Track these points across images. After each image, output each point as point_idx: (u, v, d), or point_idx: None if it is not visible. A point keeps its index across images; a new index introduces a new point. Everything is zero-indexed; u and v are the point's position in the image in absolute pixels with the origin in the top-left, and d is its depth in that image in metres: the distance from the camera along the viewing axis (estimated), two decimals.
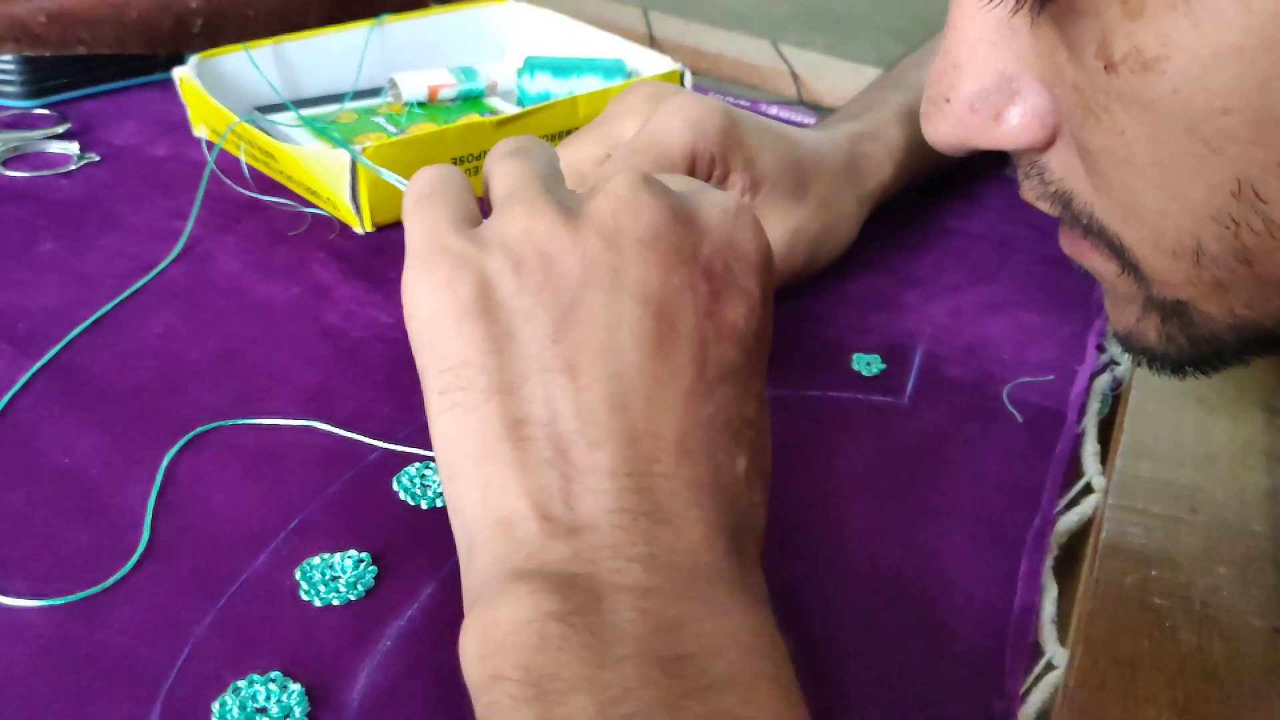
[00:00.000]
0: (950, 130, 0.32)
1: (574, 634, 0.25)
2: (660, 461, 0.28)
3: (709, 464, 0.29)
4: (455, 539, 0.30)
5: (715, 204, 0.32)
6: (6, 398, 0.42)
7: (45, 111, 0.63)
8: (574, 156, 0.46)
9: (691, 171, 0.44)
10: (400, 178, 0.52)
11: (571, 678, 0.25)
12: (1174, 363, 0.33)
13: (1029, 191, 0.33)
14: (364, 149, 0.52)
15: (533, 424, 0.28)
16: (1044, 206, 0.33)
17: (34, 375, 0.43)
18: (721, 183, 0.46)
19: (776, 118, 0.69)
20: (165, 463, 0.39)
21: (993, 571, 0.37)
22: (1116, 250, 0.31)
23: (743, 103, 0.71)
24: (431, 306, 0.29)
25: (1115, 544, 0.36)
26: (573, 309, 0.29)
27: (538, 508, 0.28)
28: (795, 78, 0.74)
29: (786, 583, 0.36)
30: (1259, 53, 0.24)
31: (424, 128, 0.63)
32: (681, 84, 0.64)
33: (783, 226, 0.47)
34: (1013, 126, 0.31)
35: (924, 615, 0.35)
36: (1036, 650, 0.34)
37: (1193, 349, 0.32)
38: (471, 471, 0.28)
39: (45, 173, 0.57)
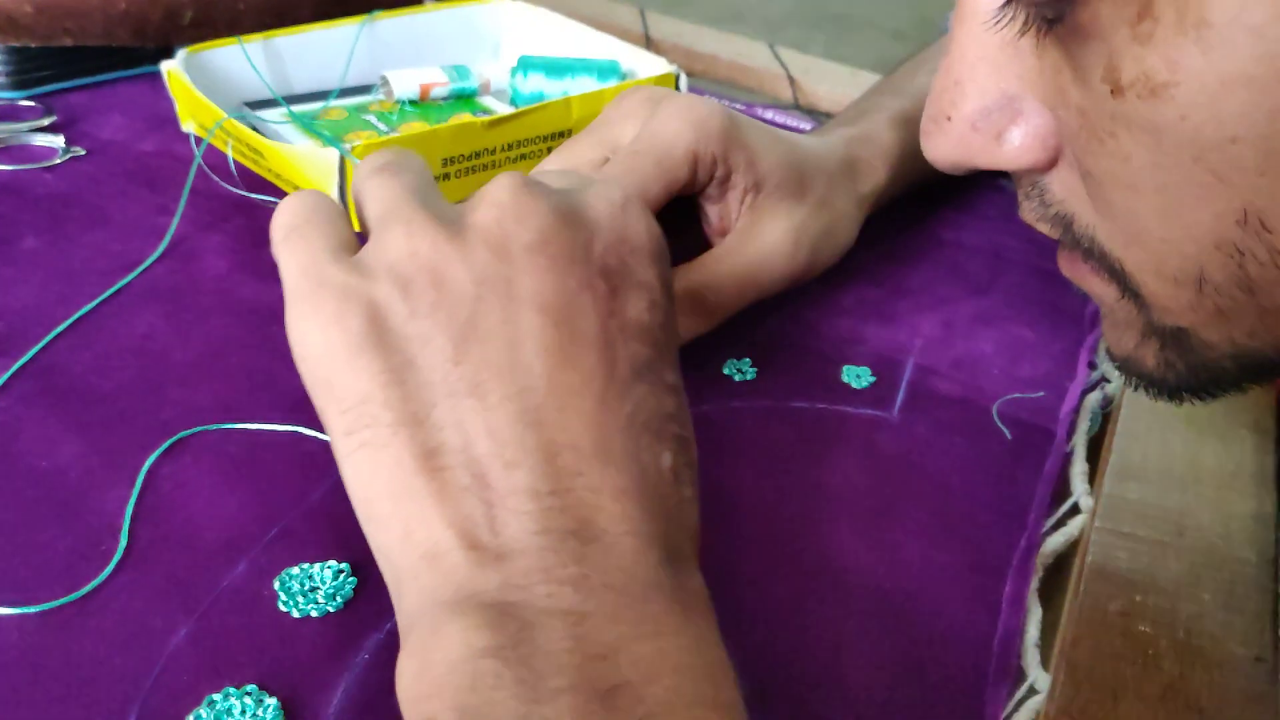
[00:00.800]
0: (951, 149, 0.32)
1: (507, 669, 0.25)
2: (583, 474, 0.27)
3: (634, 468, 0.28)
4: (384, 578, 0.29)
5: (601, 198, 0.31)
6: None
7: (30, 103, 0.62)
8: (573, 160, 0.45)
9: (694, 172, 0.44)
10: None
11: (507, 716, 0.24)
12: (1171, 389, 0.33)
13: (1029, 213, 0.33)
14: (353, 148, 0.51)
15: (446, 452, 0.27)
16: (1044, 228, 0.33)
17: (13, 375, 0.43)
18: (724, 183, 0.45)
19: (772, 122, 0.69)
20: (145, 468, 0.39)
21: (978, 592, 0.37)
22: (1117, 275, 0.30)
23: (739, 106, 0.70)
24: (322, 345, 0.28)
25: (1101, 568, 0.36)
26: (470, 327, 0.28)
27: (463, 537, 0.27)
28: (791, 81, 0.73)
29: (771, 600, 0.36)
30: (1270, 82, 0.24)
31: (415, 126, 0.62)
32: (677, 86, 0.64)
33: (785, 225, 0.46)
34: (1014, 147, 0.31)
35: (907, 636, 0.35)
36: (1020, 674, 0.34)
37: (1191, 376, 0.32)
38: (390, 510, 0.28)
39: (29, 166, 0.57)
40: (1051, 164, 0.31)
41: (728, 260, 0.45)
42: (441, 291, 0.28)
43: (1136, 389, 0.34)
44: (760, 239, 0.46)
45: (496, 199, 0.29)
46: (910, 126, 0.52)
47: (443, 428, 0.27)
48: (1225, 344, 0.30)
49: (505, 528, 0.27)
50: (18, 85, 0.63)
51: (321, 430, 0.41)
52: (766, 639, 0.35)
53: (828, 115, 0.72)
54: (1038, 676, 0.34)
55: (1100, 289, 0.32)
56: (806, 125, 0.68)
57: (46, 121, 0.60)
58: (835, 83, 0.73)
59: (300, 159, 0.52)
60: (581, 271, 0.29)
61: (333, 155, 0.51)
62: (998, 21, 0.29)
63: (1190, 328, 0.30)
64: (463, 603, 0.26)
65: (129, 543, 0.36)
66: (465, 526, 0.27)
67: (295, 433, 0.41)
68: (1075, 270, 0.33)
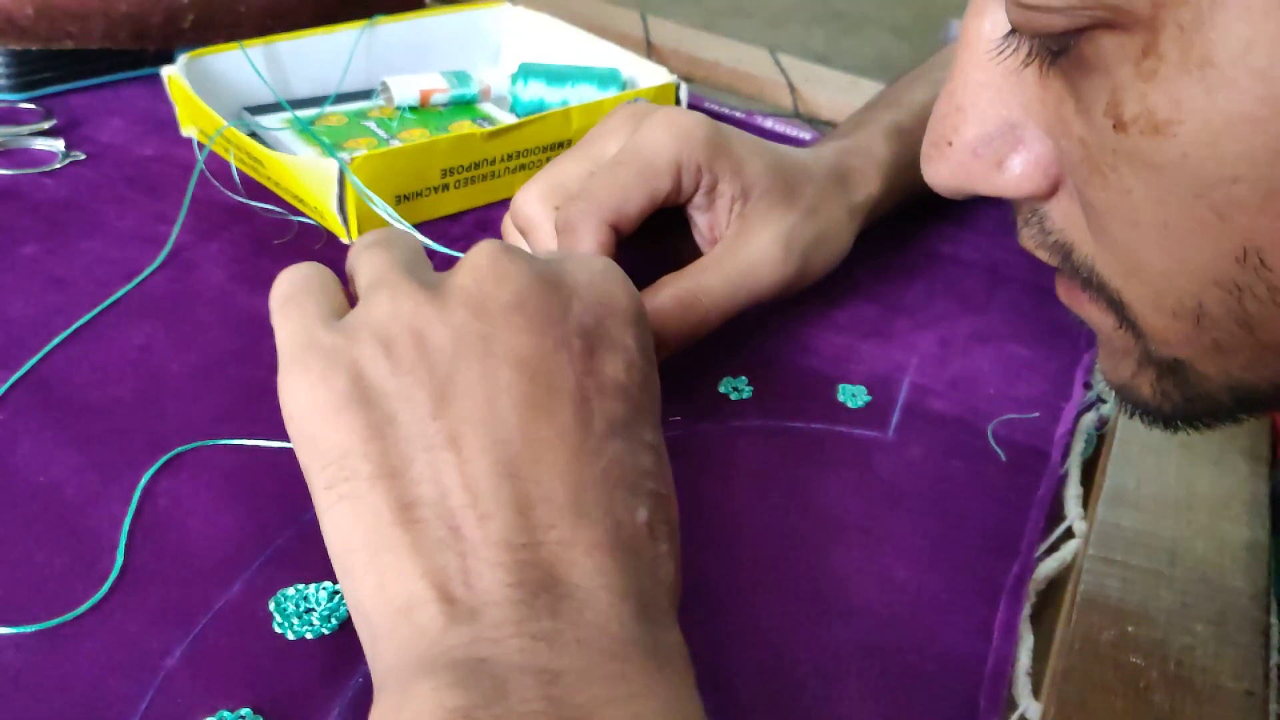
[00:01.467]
0: (951, 174, 0.32)
1: None
2: (555, 527, 0.28)
3: (607, 522, 0.28)
4: (360, 636, 0.29)
5: (581, 265, 0.32)
6: None
7: (30, 106, 0.62)
8: (560, 176, 0.45)
9: (679, 182, 0.44)
10: (384, 203, 0.51)
11: None
12: (1166, 418, 0.33)
13: (1028, 240, 0.33)
14: (353, 159, 0.51)
15: (423, 504, 0.28)
16: (1043, 255, 0.33)
17: (10, 387, 0.43)
18: (711, 192, 0.45)
19: (772, 131, 0.69)
20: (140, 486, 0.39)
21: (970, 619, 0.37)
22: (1115, 305, 0.31)
23: (738, 114, 0.70)
24: (309, 403, 0.29)
25: (1093, 598, 0.36)
26: (449, 383, 0.29)
27: (437, 589, 0.27)
28: (792, 88, 0.73)
29: (763, 623, 0.36)
30: (1272, 123, 0.24)
31: (415, 133, 0.62)
32: (677, 96, 0.64)
33: (774, 232, 0.46)
34: (1014, 175, 0.31)
35: (899, 663, 0.35)
36: (1011, 702, 0.34)
37: (1187, 406, 0.32)
38: (366, 562, 0.28)
39: (29, 171, 0.56)
40: (1052, 192, 0.31)
41: (718, 267, 0.45)
42: (422, 350, 0.29)
43: (1132, 416, 0.34)
44: (750, 246, 0.46)
45: (475, 263, 0.30)
46: (905, 138, 0.52)
47: (420, 481, 0.28)
48: (1222, 377, 0.30)
49: (479, 580, 0.27)
50: (18, 88, 0.63)
51: None
52: (758, 662, 0.35)
53: (827, 124, 0.72)
54: (1029, 706, 0.34)
55: (1098, 317, 0.32)
56: (806, 135, 0.68)
57: (47, 125, 0.60)
58: (836, 90, 0.73)
59: (300, 169, 0.52)
60: (558, 330, 0.30)
61: (332, 166, 0.51)
62: (1001, 52, 0.29)
63: (1187, 360, 0.30)
64: (435, 659, 0.26)
65: (125, 561, 0.36)
66: (439, 579, 0.27)
67: (290, 454, 0.41)
68: (1073, 298, 0.33)
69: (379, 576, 0.28)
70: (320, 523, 0.29)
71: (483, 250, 0.31)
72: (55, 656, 0.33)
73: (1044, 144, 0.30)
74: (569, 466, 0.28)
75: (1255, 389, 0.30)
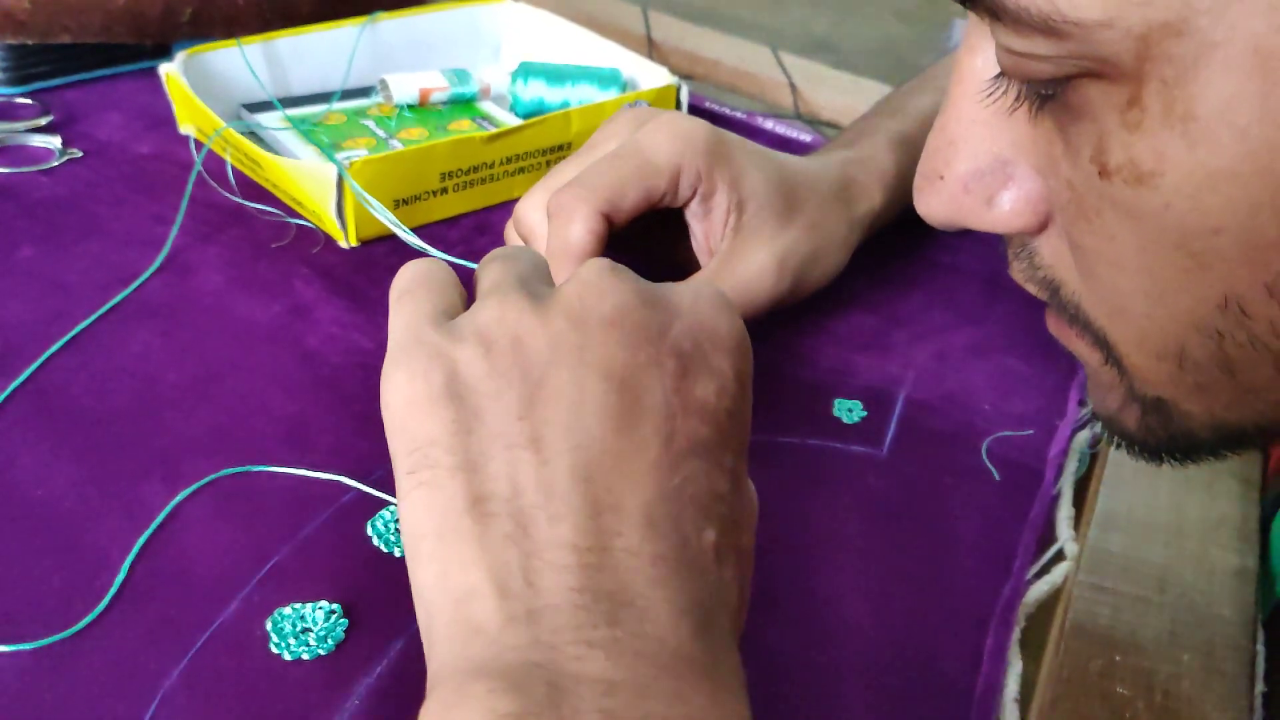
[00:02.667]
0: (942, 207, 0.32)
1: None
2: (623, 535, 0.28)
3: (675, 538, 0.28)
4: (419, 624, 0.29)
5: (687, 289, 0.32)
6: None
7: (27, 101, 0.62)
8: (561, 182, 0.45)
9: (676, 185, 0.45)
10: (383, 207, 0.51)
11: None
12: (1151, 451, 0.33)
13: (1018, 273, 0.33)
14: (351, 163, 0.51)
15: (495, 500, 0.28)
16: (1032, 289, 0.33)
17: (9, 397, 0.43)
18: (707, 200, 0.46)
19: (771, 133, 0.69)
20: (159, 520, 0.39)
21: (960, 643, 0.37)
22: (1101, 343, 0.31)
23: (738, 115, 0.70)
24: (405, 395, 0.29)
25: (1082, 625, 0.36)
26: (539, 387, 0.29)
27: (496, 584, 0.27)
28: (793, 89, 0.73)
29: (754, 647, 0.36)
30: (1252, 179, 0.24)
31: (414, 132, 0.62)
32: (678, 98, 0.63)
33: (770, 249, 0.46)
34: (1004, 211, 0.31)
35: (889, 688, 0.36)
36: None
37: (1171, 442, 0.32)
38: (433, 548, 0.28)
39: (26, 169, 0.56)
40: (1041, 229, 0.31)
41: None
42: (519, 354, 0.29)
43: (1119, 447, 0.34)
44: (744, 263, 0.46)
45: (583, 277, 0.31)
46: (908, 149, 0.52)
47: (497, 477, 0.28)
48: (1204, 416, 0.30)
49: (540, 579, 0.27)
50: (14, 81, 0.62)
51: (313, 459, 0.41)
52: (750, 684, 0.35)
53: (828, 124, 0.72)
54: None
55: (1085, 352, 0.32)
56: (807, 136, 0.68)
57: (44, 121, 0.60)
58: (837, 91, 0.73)
59: (298, 173, 0.52)
60: (652, 349, 0.30)
61: (330, 170, 0.51)
62: (991, 94, 0.30)
63: (1170, 399, 0.30)
64: (490, 660, 0.26)
65: (123, 579, 0.36)
66: (500, 574, 0.27)
67: (290, 463, 0.41)
68: (1062, 332, 0.33)
69: (443, 565, 0.28)
70: (399, 506, 0.29)
71: (592, 266, 0.31)
72: (53, 676, 0.33)
73: (1034, 182, 0.30)
74: (643, 478, 0.28)
75: (1237, 428, 0.30)
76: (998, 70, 0.29)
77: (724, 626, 0.29)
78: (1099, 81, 0.25)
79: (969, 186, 0.31)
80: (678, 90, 0.63)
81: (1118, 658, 0.35)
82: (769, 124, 0.69)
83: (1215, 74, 0.23)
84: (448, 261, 0.52)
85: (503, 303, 0.30)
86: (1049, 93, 0.27)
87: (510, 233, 0.48)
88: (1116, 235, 0.27)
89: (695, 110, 0.69)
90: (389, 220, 0.52)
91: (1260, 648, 0.37)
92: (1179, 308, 0.27)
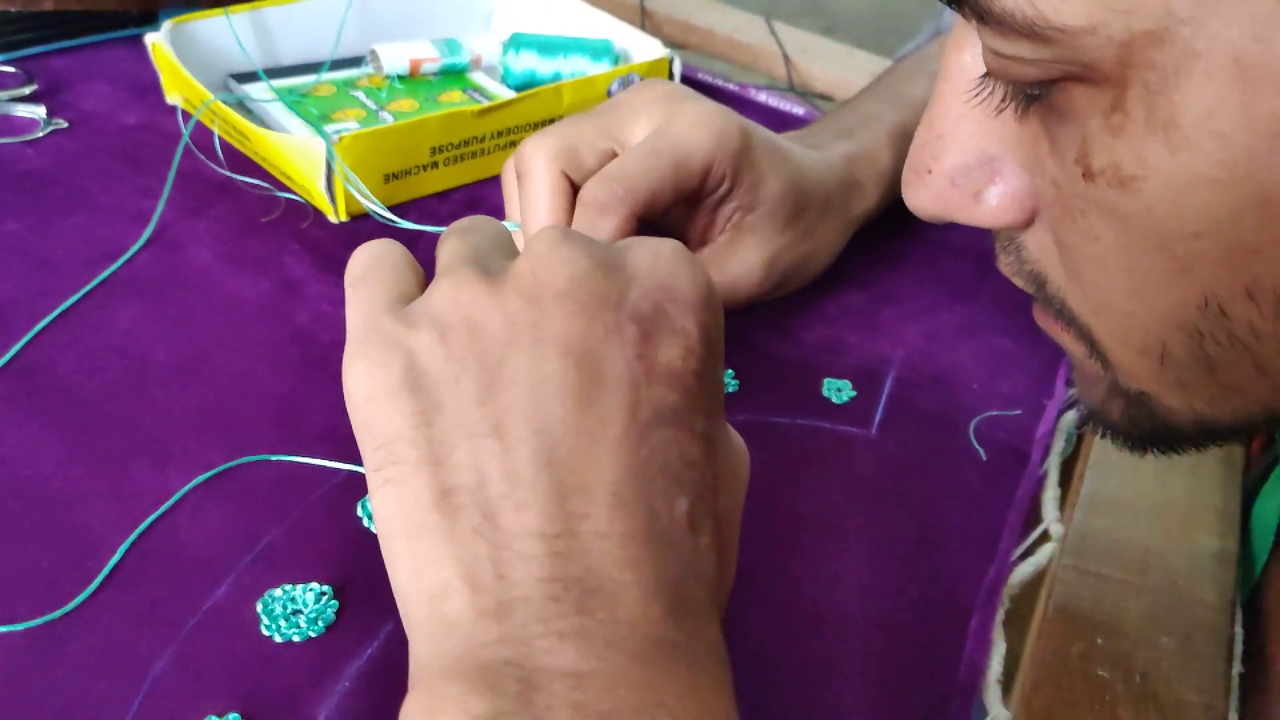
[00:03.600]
0: (930, 202, 0.33)
1: None
2: (590, 517, 0.27)
3: (644, 514, 0.28)
4: (401, 615, 0.29)
5: (646, 250, 0.31)
6: None
7: (10, 69, 0.61)
8: (575, 138, 0.45)
9: (703, 184, 0.45)
10: (366, 188, 0.51)
11: None
12: (1135, 441, 0.34)
13: (1005, 266, 0.33)
14: (341, 138, 0.51)
15: (462, 492, 0.28)
16: (1019, 283, 0.33)
17: None
18: (722, 198, 0.46)
19: (764, 106, 0.68)
20: (170, 503, 0.39)
21: (945, 624, 0.38)
22: (1086, 338, 0.31)
23: (731, 86, 0.70)
24: (365, 389, 0.29)
25: (1064, 607, 0.37)
26: (497, 371, 0.28)
27: (467, 579, 0.27)
28: (786, 59, 0.73)
29: (742, 631, 0.37)
30: (1232, 185, 0.24)
31: (405, 104, 0.62)
32: (670, 72, 0.63)
33: (763, 251, 0.47)
34: (991, 207, 0.31)
35: (874, 668, 0.36)
36: (982, 709, 0.35)
37: (1153, 434, 0.33)
38: (405, 546, 0.28)
39: (10, 140, 0.56)
40: (1028, 224, 0.32)
41: None
42: (475, 337, 0.29)
43: (1103, 436, 0.35)
44: (735, 261, 0.47)
45: (535, 250, 0.30)
46: (907, 143, 0.52)
47: (461, 468, 0.28)
48: (1186, 410, 0.30)
49: (510, 571, 0.27)
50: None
51: (303, 440, 0.42)
52: (738, 669, 0.36)
53: (821, 96, 0.72)
54: (998, 713, 0.35)
55: (1071, 345, 0.33)
56: (799, 109, 0.68)
57: (28, 90, 0.59)
58: (831, 62, 0.73)
59: (288, 147, 0.52)
60: (610, 316, 0.29)
61: (320, 146, 0.51)
62: (978, 93, 0.30)
63: (1152, 393, 0.31)
64: (463, 659, 0.26)
65: (107, 559, 0.37)
66: (471, 568, 0.27)
67: (280, 445, 0.41)
68: (1048, 324, 0.34)
69: (415, 562, 0.28)
70: (370, 503, 0.29)
71: (542, 237, 0.30)
72: (45, 658, 0.33)
73: (1020, 178, 0.30)
74: (609, 455, 0.28)
75: (1217, 422, 0.31)
76: (985, 69, 0.29)
77: (700, 599, 0.29)
78: (1083, 85, 0.25)
79: (956, 181, 0.31)
80: (670, 63, 0.63)
81: (1099, 641, 0.36)
82: (761, 96, 0.69)
83: (1197, 82, 0.23)
84: (431, 233, 0.52)
85: (456, 284, 0.29)
86: (1035, 93, 0.28)
87: (508, 169, 0.47)
88: (1100, 235, 0.27)
89: (688, 81, 0.68)
90: (373, 205, 0.52)
91: (1239, 630, 0.37)
92: (1161, 306, 0.28)
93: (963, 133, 0.31)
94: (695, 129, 0.44)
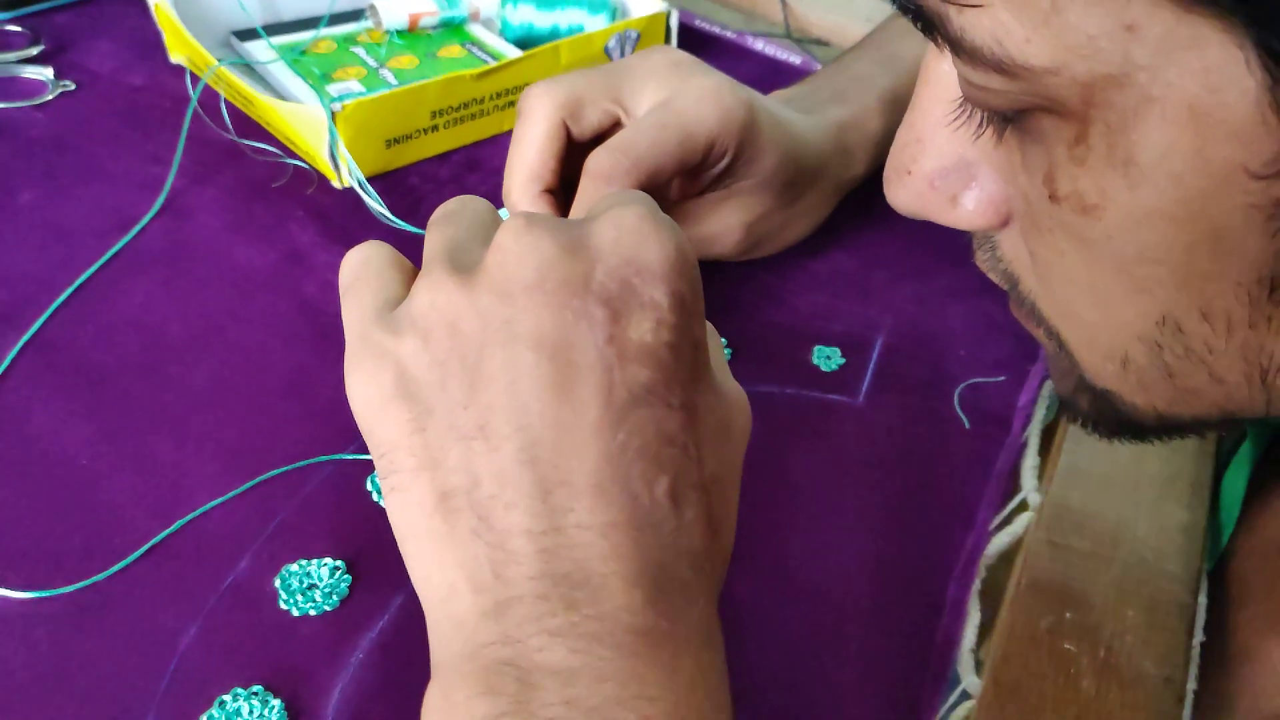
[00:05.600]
0: (909, 201, 0.34)
1: None
2: (574, 510, 0.28)
3: (625, 499, 0.29)
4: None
5: (610, 223, 0.31)
6: None
7: (17, 28, 0.61)
8: (582, 90, 0.45)
9: (705, 159, 0.45)
10: (358, 168, 0.52)
11: None
12: (1103, 431, 0.35)
13: (982, 261, 0.35)
14: (344, 106, 0.52)
15: (458, 494, 0.29)
16: (995, 278, 0.35)
17: (20, 352, 0.44)
18: (724, 169, 0.47)
19: (761, 54, 0.69)
20: (197, 513, 0.41)
21: (923, 592, 0.40)
22: (1054, 338, 0.33)
23: (729, 34, 0.70)
24: (362, 399, 0.30)
25: (1036, 581, 0.39)
26: (477, 371, 0.29)
27: (469, 580, 0.28)
28: (784, 5, 0.72)
29: (730, 599, 0.39)
30: (1186, 221, 0.26)
31: (404, 60, 0.62)
32: (667, 25, 0.63)
33: (743, 215, 0.48)
34: (967, 210, 0.33)
35: (855, 636, 0.38)
36: (955, 677, 0.38)
37: (1119, 426, 0.35)
38: (414, 550, 0.30)
39: (20, 104, 0.57)
40: (1003, 225, 0.33)
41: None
42: (455, 339, 0.29)
43: (1074, 422, 0.37)
44: (716, 219, 0.48)
45: (501, 244, 0.30)
46: (898, 108, 0.53)
47: (456, 470, 0.29)
48: (1148, 409, 0.32)
49: (505, 570, 0.28)
50: (3, 7, 0.62)
51: (312, 412, 0.43)
52: (726, 636, 0.38)
53: (818, 42, 0.72)
54: (970, 681, 0.37)
55: (1043, 339, 0.34)
56: (796, 58, 0.68)
57: (35, 51, 0.60)
58: (827, 8, 0.73)
59: (291, 115, 0.53)
60: (578, 302, 0.29)
61: (322, 114, 0.52)
62: (956, 117, 0.31)
63: (1116, 392, 0.32)
64: (469, 659, 0.28)
65: (139, 535, 0.39)
66: (472, 569, 0.28)
67: (291, 419, 0.43)
68: (1022, 319, 0.35)
69: (425, 566, 0.29)
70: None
71: (506, 230, 0.30)
72: (80, 630, 0.36)
73: (996, 183, 0.32)
74: (587, 445, 0.28)
75: (1178, 419, 0.32)
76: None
77: (686, 578, 0.29)
78: (1051, 115, 0.27)
79: (934, 184, 0.33)
80: (667, 18, 0.63)
81: (1068, 614, 0.38)
82: (759, 44, 0.69)
83: (1153, 125, 0.24)
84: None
85: (432, 287, 0.30)
86: (1009, 116, 0.29)
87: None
88: (1065, 252, 0.29)
89: (685, 30, 0.69)
90: (370, 196, 0.53)
91: (1203, 599, 0.40)
92: (1122, 320, 0.29)
93: (941, 138, 0.32)
94: (701, 105, 0.45)
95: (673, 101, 0.45)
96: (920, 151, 0.33)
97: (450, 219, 0.34)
